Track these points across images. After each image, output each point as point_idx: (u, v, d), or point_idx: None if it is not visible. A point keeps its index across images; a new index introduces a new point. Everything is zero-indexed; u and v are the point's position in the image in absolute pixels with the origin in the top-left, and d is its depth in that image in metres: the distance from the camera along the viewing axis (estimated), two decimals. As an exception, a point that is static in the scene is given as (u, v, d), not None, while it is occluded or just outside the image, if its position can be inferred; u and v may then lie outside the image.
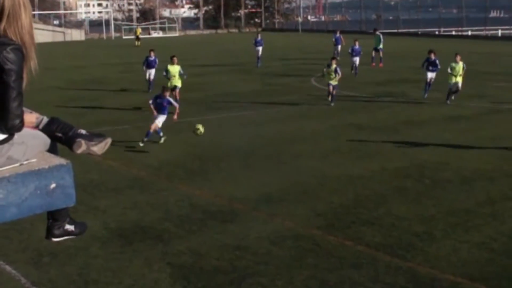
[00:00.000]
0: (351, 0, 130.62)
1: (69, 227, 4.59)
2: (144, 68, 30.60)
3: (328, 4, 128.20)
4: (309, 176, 15.57)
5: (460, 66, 26.00)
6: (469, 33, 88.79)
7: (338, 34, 47.68)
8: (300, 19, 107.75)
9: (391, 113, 24.67)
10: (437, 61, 27.43)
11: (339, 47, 46.21)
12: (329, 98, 26.23)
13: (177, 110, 20.35)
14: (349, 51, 38.15)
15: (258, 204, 13.44)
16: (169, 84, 24.76)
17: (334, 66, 25.98)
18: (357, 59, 37.50)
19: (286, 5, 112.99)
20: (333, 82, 26.01)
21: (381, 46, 42.49)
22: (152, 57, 30.39)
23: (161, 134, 18.92)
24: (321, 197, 13.94)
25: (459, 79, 26.07)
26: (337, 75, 25.90)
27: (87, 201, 13.43)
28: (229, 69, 41.50)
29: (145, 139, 18.62)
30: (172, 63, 25.80)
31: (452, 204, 13.32)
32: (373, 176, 15.55)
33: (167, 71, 25.91)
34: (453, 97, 26.34)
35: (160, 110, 19.03)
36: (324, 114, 24.36)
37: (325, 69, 27.00)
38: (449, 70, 26.19)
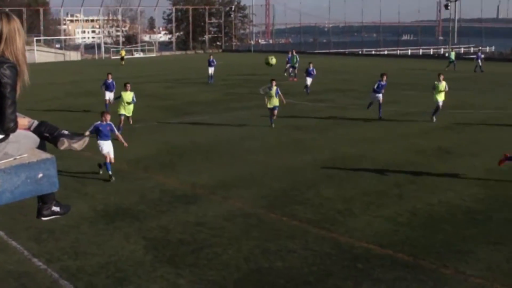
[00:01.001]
0: (293, 27, 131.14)
1: (55, 208, 4.62)
2: (103, 89, 25.85)
3: (275, 30, 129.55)
4: (256, 167, 15.69)
5: (443, 85, 22.64)
6: (386, 52, 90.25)
7: (290, 54, 44.17)
8: (252, 42, 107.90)
9: (322, 116, 24.80)
10: (385, 84, 23.68)
11: (290, 65, 43.61)
12: (271, 121, 22.08)
13: (120, 138, 15.39)
14: (304, 73, 33.62)
15: (215, 189, 13.52)
16: (121, 110, 20.54)
17: (274, 88, 21.83)
18: (309, 80, 32.89)
19: (242, 31, 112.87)
20: (275, 104, 21.92)
21: (296, 64, 42.10)
22: (110, 80, 25.61)
23: (110, 172, 14.45)
24: (264, 183, 14.06)
25: (443, 97, 22.85)
26: (278, 96, 21.89)
27: (78, 188, 13.40)
28: (194, 82, 41.23)
29: (110, 172, 14.44)
30: (126, 90, 20.56)
31: (367, 187, 13.55)
32: (306, 166, 15.71)
33: (120, 97, 20.82)
34: (434, 117, 22.88)
35: (104, 136, 14.57)
36: (268, 117, 24.33)
37: (265, 92, 23.68)
38: (433, 89, 23.03)
